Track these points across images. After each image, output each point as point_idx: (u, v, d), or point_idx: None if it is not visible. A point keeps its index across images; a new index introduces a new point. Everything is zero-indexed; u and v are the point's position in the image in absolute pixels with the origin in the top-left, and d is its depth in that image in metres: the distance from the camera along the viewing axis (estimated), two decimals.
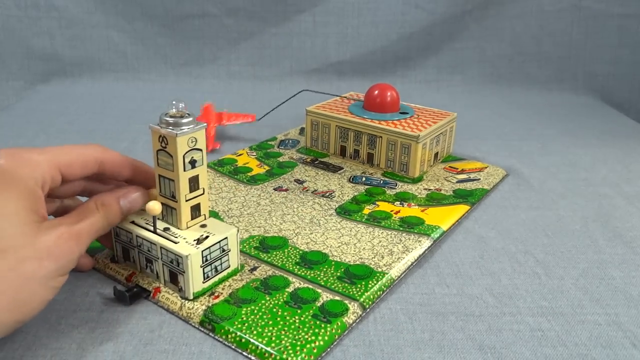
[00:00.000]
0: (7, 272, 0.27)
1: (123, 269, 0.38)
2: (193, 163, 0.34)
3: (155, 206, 0.34)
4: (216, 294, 0.36)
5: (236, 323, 0.33)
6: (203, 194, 0.36)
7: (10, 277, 0.27)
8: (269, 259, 0.40)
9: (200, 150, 0.35)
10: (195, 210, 0.36)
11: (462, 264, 0.42)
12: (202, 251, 0.35)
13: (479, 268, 0.42)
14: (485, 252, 0.44)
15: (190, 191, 0.35)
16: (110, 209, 0.34)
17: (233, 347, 0.33)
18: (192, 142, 0.34)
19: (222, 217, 0.46)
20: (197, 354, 0.32)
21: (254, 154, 0.61)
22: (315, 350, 0.32)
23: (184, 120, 0.33)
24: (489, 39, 0.97)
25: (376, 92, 0.60)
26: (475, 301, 0.38)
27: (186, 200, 0.35)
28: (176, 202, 0.35)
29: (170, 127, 0.33)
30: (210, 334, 0.34)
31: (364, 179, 0.55)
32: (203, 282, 0.36)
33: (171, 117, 0.33)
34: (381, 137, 0.56)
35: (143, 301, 0.37)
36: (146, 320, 0.35)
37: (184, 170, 0.34)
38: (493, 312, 0.37)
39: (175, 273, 0.35)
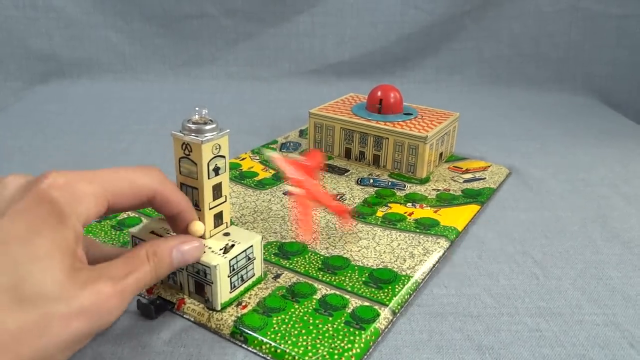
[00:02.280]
0: (27, 330, 0.22)
1: None
2: (217, 170, 0.34)
3: (198, 227, 0.33)
4: (244, 304, 0.35)
5: (269, 333, 0.33)
6: (225, 201, 0.36)
7: (29, 337, 0.22)
8: (291, 266, 0.40)
9: (224, 157, 0.34)
10: (218, 219, 0.36)
11: (461, 265, 0.42)
12: (230, 260, 0.34)
13: (477, 268, 0.42)
14: (484, 253, 0.44)
15: (214, 199, 0.35)
16: (162, 261, 0.29)
17: (268, 358, 0.32)
18: (216, 149, 0.33)
19: (235, 223, 0.46)
20: (195, 355, 0.32)
21: (257, 157, 0.61)
22: (353, 359, 0.32)
23: (208, 127, 0.32)
24: (487, 40, 0.97)
25: (380, 93, 0.60)
26: (474, 301, 0.38)
27: (210, 209, 0.34)
28: (200, 210, 0.34)
29: (194, 134, 0.32)
30: (243, 345, 0.33)
31: (371, 180, 0.55)
32: (230, 292, 0.35)
33: (194, 123, 0.33)
34: (388, 138, 0.56)
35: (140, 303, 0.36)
36: (144, 323, 0.35)
37: (209, 178, 0.34)
38: (491, 312, 0.37)
39: (201, 284, 0.34)
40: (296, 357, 0.31)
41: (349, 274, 0.39)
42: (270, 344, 0.32)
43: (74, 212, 0.26)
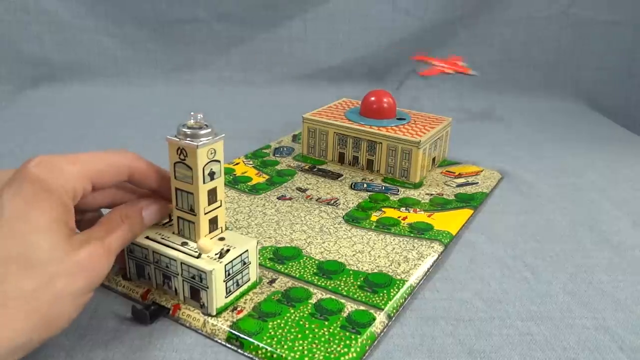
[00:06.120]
0: (40, 289, 0.27)
1: (137, 287, 0.37)
2: (212, 175, 0.34)
3: (206, 243, 0.34)
4: (239, 309, 0.35)
5: (265, 338, 0.33)
6: (220, 206, 0.35)
7: (42, 295, 0.27)
8: (286, 270, 0.40)
9: (219, 161, 0.34)
10: (213, 223, 0.36)
11: (452, 269, 0.43)
12: (225, 265, 0.34)
13: (468, 273, 0.42)
14: (475, 257, 0.44)
15: (209, 204, 0.34)
16: (134, 220, 0.34)
17: None
18: (211, 153, 0.33)
19: (230, 228, 0.46)
20: None
21: (251, 162, 0.61)
22: None
23: (203, 132, 0.32)
24: (478, 46, 0.97)
25: (373, 98, 0.60)
26: (465, 306, 0.38)
27: (205, 214, 0.34)
28: (195, 215, 0.34)
29: (189, 139, 0.32)
30: (239, 350, 0.33)
31: (365, 185, 0.56)
32: (225, 297, 0.35)
33: (189, 128, 0.33)
34: (381, 143, 0.57)
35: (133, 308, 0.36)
36: (135, 327, 0.35)
37: (204, 183, 0.33)
38: (482, 316, 0.37)
39: (196, 289, 0.34)
40: None
41: (344, 279, 0.39)
42: (267, 349, 0.32)
43: (61, 187, 0.29)
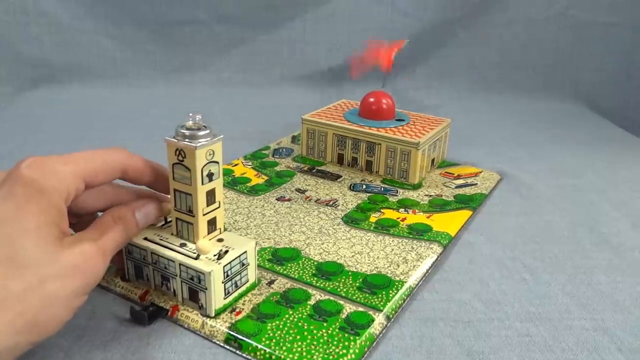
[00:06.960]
0: (27, 292, 0.26)
1: (135, 288, 0.37)
2: (210, 176, 0.34)
3: (205, 245, 0.34)
4: (238, 310, 0.35)
5: (263, 339, 0.33)
6: (219, 207, 0.35)
7: (30, 297, 0.26)
8: (285, 272, 0.40)
9: (217, 162, 0.34)
10: (212, 225, 0.36)
11: (451, 270, 0.43)
12: (224, 266, 0.34)
13: (467, 274, 0.42)
14: (474, 258, 0.44)
15: (208, 205, 0.34)
16: (127, 222, 0.33)
17: None
18: (210, 154, 0.33)
19: (229, 229, 0.45)
20: None
21: (250, 163, 0.61)
22: None
23: (201, 133, 0.32)
24: (477, 47, 0.98)
25: (372, 99, 0.60)
26: (464, 307, 0.38)
27: (203, 215, 0.34)
28: (193, 216, 0.34)
29: (188, 140, 0.32)
30: (238, 351, 0.33)
31: (364, 186, 0.56)
32: (224, 298, 0.35)
33: (187, 129, 0.33)
34: (380, 144, 0.57)
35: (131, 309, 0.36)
36: (134, 328, 0.35)
37: (202, 184, 0.33)
38: (481, 317, 0.37)
39: (195, 290, 0.34)
40: None
41: (343, 280, 0.39)
42: (265, 350, 0.32)
43: (53, 188, 0.29)
